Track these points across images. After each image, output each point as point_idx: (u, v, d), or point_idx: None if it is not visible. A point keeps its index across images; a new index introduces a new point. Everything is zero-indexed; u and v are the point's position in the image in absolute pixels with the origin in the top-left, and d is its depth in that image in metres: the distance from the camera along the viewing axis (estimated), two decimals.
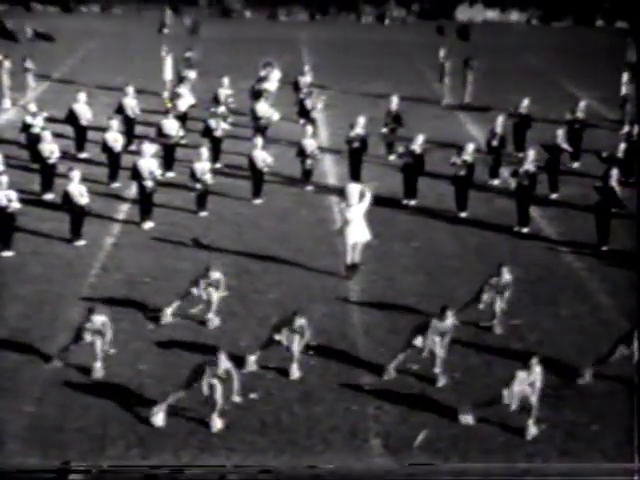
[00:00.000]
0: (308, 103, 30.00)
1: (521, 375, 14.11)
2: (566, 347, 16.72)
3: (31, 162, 25.66)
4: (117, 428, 14.19)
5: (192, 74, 33.98)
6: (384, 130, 27.70)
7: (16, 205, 20.61)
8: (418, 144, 24.11)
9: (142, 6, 57.77)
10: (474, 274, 18.76)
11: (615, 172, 21.79)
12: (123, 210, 23.47)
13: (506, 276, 17.07)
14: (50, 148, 23.95)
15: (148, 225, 22.30)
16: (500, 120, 26.16)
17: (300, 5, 59.08)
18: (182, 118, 28.13)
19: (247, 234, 22.09)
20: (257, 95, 30.95)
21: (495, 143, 25.79)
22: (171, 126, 26.04)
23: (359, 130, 25.67)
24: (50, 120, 27.22)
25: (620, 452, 13.88)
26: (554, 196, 24.83)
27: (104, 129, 25.56)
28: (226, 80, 30.61)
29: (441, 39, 48.47)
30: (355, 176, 24.89)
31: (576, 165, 27.24)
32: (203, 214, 23.17)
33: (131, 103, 28.25)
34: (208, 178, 22.99)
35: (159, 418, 14.29)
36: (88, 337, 15.52)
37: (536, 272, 20.02)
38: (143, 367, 15.94)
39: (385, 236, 21.51)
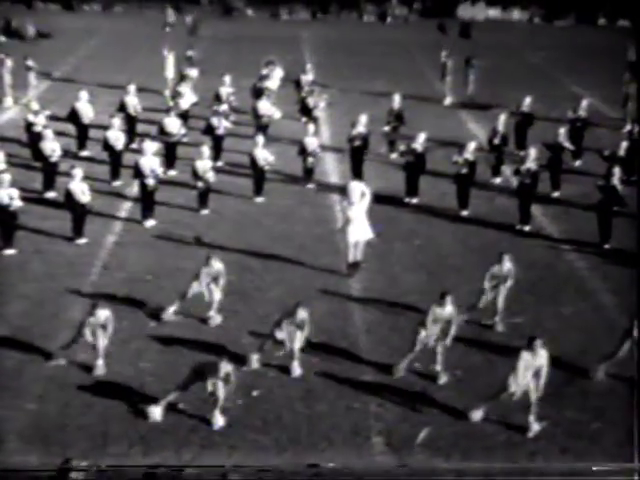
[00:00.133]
0: (310, 101, 29.97)
1: (525, 355, 14.12)
2: (568, 345, 16.69)
3: (33, 160, 25.65)
4: (118, 426, 14.20)
5: (194, 72, 33.92)
6: (386, 128, 27.67)
7: (18, 203, 20.61)
8: (420, 142, 24.10)
9: (144, 4, 57.86)
10: (475, 272, 18.73)
11: (617, 171, 21.80)
12: (125, 208, 23.47)
13: (507, 264, 17.15)
14: (52, 146, 23.93)
15: (150, 223, 22.30)
16: (502, 118, 26.13)
17: (302, 3, 59.07)
18: (184, 116, 28.11)
19: (248, 232, 22.09)
20: (259, 93, 30.91)
21: (497, 141, 25.77)
22: (173, 124, 26.03)
23: (361, 128, 25.63)
24: (52, 118, 27.19)
25: (621, 450, 13.88)
26: (556, 194, 24.81)
27: (106, 127, 25.57)
28: (228, 78, 30.55)
29: (443, 37, 48.46)
30: (357, 174, 24.85)
31: (578, 163, 27.19)
32: (204, 212, 23.16)
33: (133, 101, 28.24)
34: (210, 176, 22.97)
35: (157, 413, 14.31)
36: (91, 332, 15.52)
37: (538, 270, 20.01)
38: (144, 365, 15.94)
39: (386, 234, 21.50)
